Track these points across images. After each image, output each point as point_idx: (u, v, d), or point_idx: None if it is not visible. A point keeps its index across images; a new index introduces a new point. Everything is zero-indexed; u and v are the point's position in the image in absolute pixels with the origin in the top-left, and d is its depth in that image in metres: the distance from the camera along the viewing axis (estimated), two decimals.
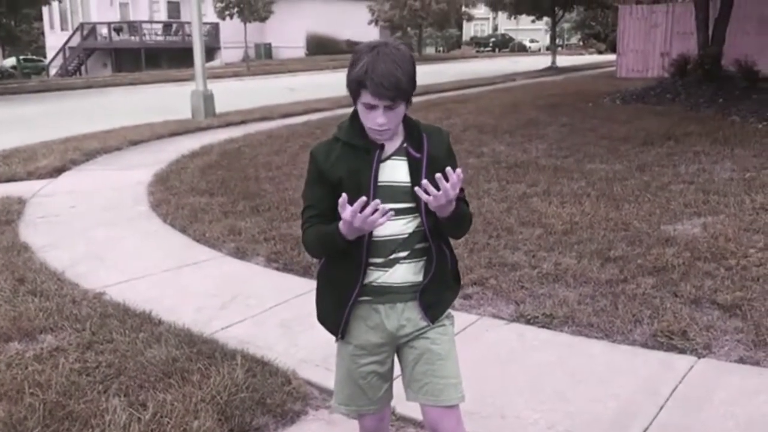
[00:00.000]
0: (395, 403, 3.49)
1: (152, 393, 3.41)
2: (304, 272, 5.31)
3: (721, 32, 13.27)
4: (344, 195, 1.95)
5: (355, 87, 2.01)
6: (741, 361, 3.65)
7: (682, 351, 3.77)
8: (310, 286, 5.02)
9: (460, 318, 4.44)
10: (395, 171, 2.13)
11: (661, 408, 3.28)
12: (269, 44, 47.11)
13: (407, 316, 2.25)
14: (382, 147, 2.11)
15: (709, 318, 4.03)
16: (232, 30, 38.82)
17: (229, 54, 43.33)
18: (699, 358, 3.71)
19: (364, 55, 1.99)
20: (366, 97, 2.00)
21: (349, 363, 2.34)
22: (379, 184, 2.09)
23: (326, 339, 4.15)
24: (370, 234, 2.08)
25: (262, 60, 43.63)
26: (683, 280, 4.50)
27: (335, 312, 2.28)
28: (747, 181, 6.38)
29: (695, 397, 3.35)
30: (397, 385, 3.67)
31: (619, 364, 3.72)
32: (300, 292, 4.97)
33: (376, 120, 2.02)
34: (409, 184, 2.10)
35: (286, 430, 3.34)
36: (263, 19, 35.24)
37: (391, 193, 2.10)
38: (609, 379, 3.57)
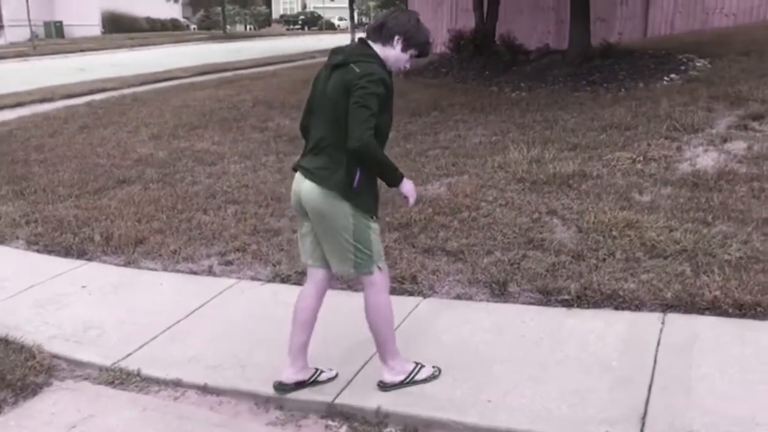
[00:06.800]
0: (140, 367, 3.67)
1: None
2: (66, 252, 5.25)
3: (494, 10, 14.36)
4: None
5: (424, 47, 3.08)
6: (458, 297, 4.18)
7: (411, 293, 4.24)
8: (71, 265, 5.05)
9: (219, 282, 4.69)
10: None
11: None
12: (60, 22, 43.74)
13: None
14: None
15: (437, 263, 4.55)
16: (17, 7, 35.61)
17: (14, 33, 39.66)
18: (424, 298, 4.21)
19: (421, 23, 3.08)
20: (420, 53, 3.10)
21: (375, 230, 3.13)
22: None
23: (78, 314, 4.21)
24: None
25: (53, 39, 40.52)
26: (422, 232, 5.01)
27: (375, 203, 3.12)
28: (492, 144, 7.11)
29: (413, 331, 3.81)
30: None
31: (345, 310, 4.04)
32: (60, 272, 4.94)
33: (408, 64, 3.14)
34: None
35: (27, 402, 3.38)
36: None
37: None
38: (347, 323, 3.92)
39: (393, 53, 3.04)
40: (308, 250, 3.27)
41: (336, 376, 3.39)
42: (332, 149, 3.00)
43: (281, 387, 3.30)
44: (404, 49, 3.04)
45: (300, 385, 3.30)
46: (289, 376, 3.30)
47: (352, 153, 2.87)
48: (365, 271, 3.12)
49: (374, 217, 3.10)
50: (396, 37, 3.02)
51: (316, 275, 3.29)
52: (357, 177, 2.97)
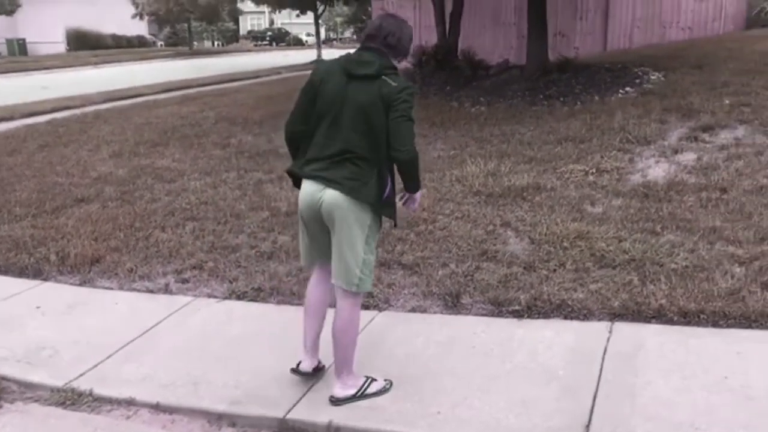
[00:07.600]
0: (92, 386, 3.65)
1: None
2: (21, 273, 5.19)
3: (456, 26, 14.52)
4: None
5: (407, 55, 3.28)
6: (413, 310, 4.23)
7: (367, 307, 4.26)
8: (25, 285, 5.00)
9: (175, 300, 4.68)
10: None
11: None
12: (23, 40, 43.24)
13: None
14: None
15: (393, 277, 4.60)
16: None
17: None
18: (380, 311, 4.25)
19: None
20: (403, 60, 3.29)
21: (376, 243, 3.30)
22: None
23: (30, 335, 4.17)
24: None
25: (16, 57, 40.00)
26: (379, 246, 5.01)
27: (395, 211, 3.27)
28: (451, 158, 7.20)
29: (367, 345, 3.82)
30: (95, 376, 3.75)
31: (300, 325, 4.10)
32: (14, 293, 4.89)
33: None
34: None
35: None
36: (9, 13, 32.27)
37: None
38: (298, 338, 3.95)
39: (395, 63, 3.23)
40: (319, 249, 3.32)
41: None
42: (360, 161, 3.07)
43: (298, 371, 3.45)
44: (400, 60, 3.24)
45: (316, 370, 3.47)
46: (307, 366, 3.44)
47: (403, 163, 3.09)
48: (363, 288, 3.22)
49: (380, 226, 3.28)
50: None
51: (327, 272, 3.35)
52: (388, 188, 3.14)
